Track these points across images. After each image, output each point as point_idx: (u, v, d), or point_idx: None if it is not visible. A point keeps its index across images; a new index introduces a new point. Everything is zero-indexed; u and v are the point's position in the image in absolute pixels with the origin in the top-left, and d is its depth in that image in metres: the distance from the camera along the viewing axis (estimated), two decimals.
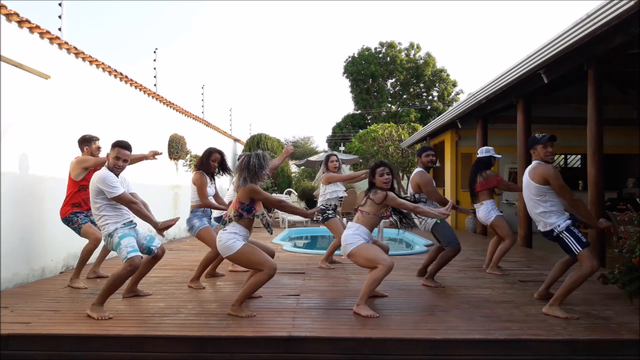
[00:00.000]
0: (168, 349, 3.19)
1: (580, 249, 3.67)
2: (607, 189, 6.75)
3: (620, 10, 4.60)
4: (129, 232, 3.89)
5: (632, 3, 4.44)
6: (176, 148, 9.02)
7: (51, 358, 3.18)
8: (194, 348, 3.19)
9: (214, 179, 4.92)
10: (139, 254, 3.81)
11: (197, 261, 6.25)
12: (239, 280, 5.05)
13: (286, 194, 13.36)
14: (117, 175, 3.90)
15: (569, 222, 3.75)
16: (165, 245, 6.94)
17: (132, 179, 4.29)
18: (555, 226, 3.76)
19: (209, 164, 4.75)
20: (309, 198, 14.92)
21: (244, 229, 3.74)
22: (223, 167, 4.91)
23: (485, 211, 5.44)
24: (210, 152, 4.80)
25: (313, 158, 17.01)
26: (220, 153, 4.87)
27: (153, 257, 4.12)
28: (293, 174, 17.81)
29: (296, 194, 15.06)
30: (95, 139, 4.91)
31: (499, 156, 5.75)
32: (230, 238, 3.66)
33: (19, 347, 3.20)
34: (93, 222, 4.70)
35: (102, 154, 4.88)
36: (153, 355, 3.18)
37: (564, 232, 3.73)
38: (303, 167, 18.12)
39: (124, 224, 3.91)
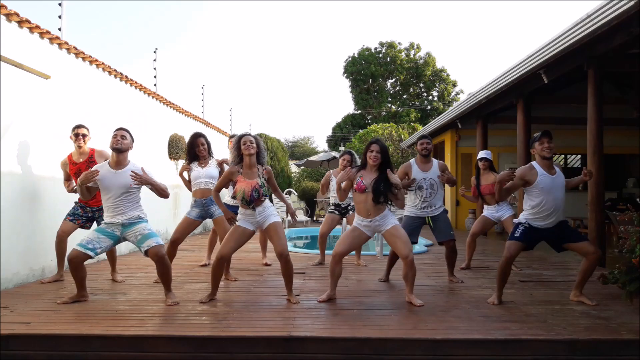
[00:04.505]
0: (168, 349, 3.19)
1: (509, 239, 4.10)
2: (607, 189, 6.75)
3: (620, 11, 4.60)
4: (104, 229, 4.02)
5: (632, 3, 4.44)
6: (176, 148, 9.02)
7: (51, 358, 3.18)
8: (194, 348, 3.19)
9: (203, 164, 5.12)
10: (80, 248, 3.85)
11: (197, 261, 6.28)
12: (240, 281, 5.05)
13: (286, 194, 13.35)
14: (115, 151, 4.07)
15: (523, 221, 4.07)
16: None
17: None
18: (517, 219, 4.21)
19: (194, 150, 5.09)
20: (309, 198, 14.92)
21: (242, 208, 4.06)
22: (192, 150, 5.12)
23: (501, 210, 5.77)
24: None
25: (313, 158, 17.01)
26: (193, 136, 5.11)
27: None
28: (293, 174, 17.80)
29: (296, 194, 15.05)
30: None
31: (482, 156, 5.85)
32: (238, 217, 4.10)
33: (19, 347, 3.20)
34: (74, 216, 4.86)
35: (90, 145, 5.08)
36: (153, 355, 3.18)
37: (515, 222, 4.19)
38: (303, 167, 18.12)
39: (105, 222, 4.05)
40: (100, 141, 5.26)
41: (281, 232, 4.04)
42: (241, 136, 4.08)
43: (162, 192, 4.12)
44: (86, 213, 4.89)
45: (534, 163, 4.04)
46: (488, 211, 5.84)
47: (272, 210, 4.12)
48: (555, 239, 4.06)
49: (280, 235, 4.02)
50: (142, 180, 3.99)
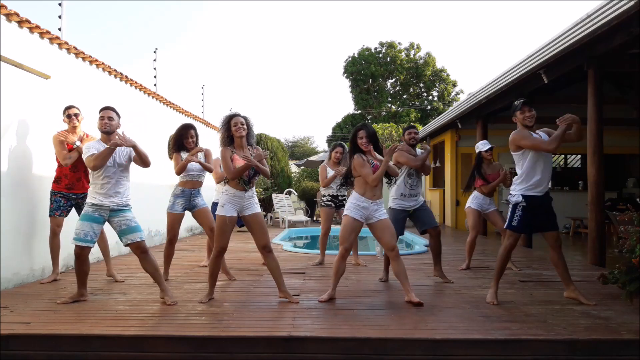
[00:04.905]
0: (168, 349, 3.19)
1: (507, 227, 4.12)
2: (607, 189, 6.74)
3: (620, 11, 4.60)
4: (90, 214, 3.95)
5: (632, 3, 4.45)
6: None
7: (51, 358, 3.18)
8: (194, 348, 3.19)
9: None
10: (82, 243, 3.86)
11: (197, 261, 6.28)
12: (240, 281, 5.05)
13: (286, 193, 13.35)
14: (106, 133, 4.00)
15: (520, 200, 4.01)
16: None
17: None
18: (510, 195, 4.12)
19: (182, 141, 5.07)
20: (309, 198, 14.91)
21: (231, 189, 3.98)
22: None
23: (492, 204, 5.90)
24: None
25: (313, 158, 17.01)
26: (183, 127, 5.10)
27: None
28: (293, 174, 17.80)
29: (296, 194, 15.05)
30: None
31: (483, 149, 5.99)
32: (221, 202, 3.99)
33: (19, 347, 3.20)
34: (60, 209, 4.84)
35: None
36: (153, 355, 3.18)
37: (511, 205, 4.09)
38: (303, 167, 18.12)
39: (92, 203, 3.97)
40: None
41: (265, 224, 4.14)
42: (231, 117, 4.03)
43: (145, 159, 4.15)
44: (69, 201, 4.90)
45: (516, 131, 4.10)
46: (479, 201, 5.85)
47: (257, 199, 4.16)
48: (543, 222, 4.08)
49: (264, 227, 4.12)
50: (127, 142, 3.92)
